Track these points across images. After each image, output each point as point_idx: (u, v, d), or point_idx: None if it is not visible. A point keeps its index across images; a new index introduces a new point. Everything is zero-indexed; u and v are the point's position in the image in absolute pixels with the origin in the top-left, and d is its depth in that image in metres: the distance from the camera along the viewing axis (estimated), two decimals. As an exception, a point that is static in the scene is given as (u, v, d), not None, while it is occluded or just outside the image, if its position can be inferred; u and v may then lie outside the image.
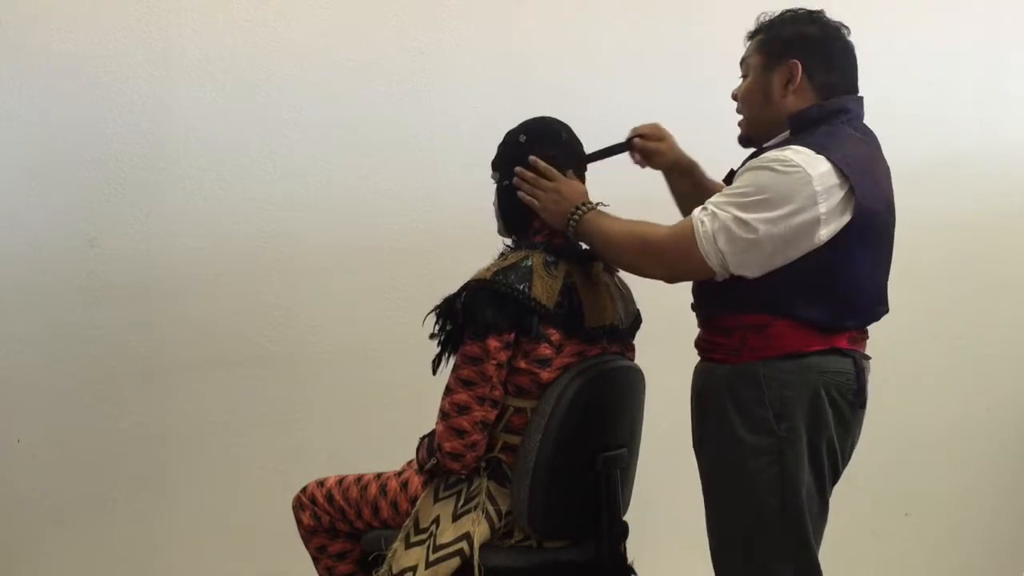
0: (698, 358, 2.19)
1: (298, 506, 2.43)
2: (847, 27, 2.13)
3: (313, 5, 3.25)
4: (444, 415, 2.17)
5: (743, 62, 2.17)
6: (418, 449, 2.31)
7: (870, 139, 2.10)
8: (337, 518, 2.36)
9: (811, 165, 1.92)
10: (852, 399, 2.03)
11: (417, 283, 3.22)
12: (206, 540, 3.20)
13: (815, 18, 2.11)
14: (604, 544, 2.24)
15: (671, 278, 2.07)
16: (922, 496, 3.56)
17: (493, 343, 2.13)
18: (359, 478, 2.38)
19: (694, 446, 2.19)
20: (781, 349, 1.99)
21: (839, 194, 1.93)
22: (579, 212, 2.15)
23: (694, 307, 2.20)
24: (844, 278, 1.99)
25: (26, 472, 3.11)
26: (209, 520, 3.20)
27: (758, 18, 2.17)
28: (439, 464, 2.19)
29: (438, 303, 2.21)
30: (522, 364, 2.16)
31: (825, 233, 1.93)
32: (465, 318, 2.14)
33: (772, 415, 1.97)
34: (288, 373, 3.23)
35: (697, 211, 1.98)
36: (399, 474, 2.34)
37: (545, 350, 2.17)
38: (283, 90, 3.22)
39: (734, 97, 2.19)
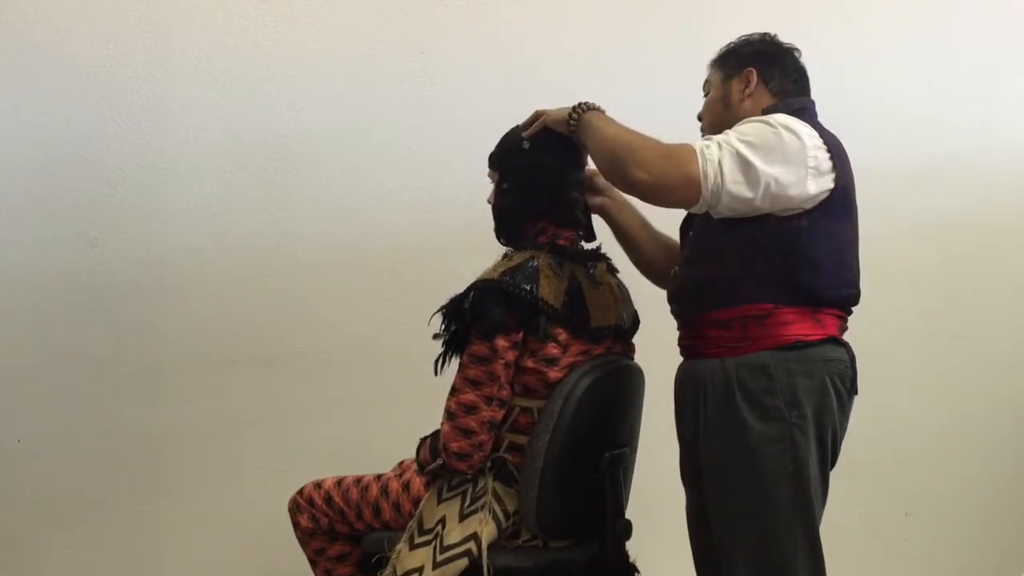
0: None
1: (295, 508, 2.41)
2: (799, 50, 2.27)
3: (313, 5, 3.25)
4: (450, 415, 2.16)
5: (705, 83, 2.31)
6: (418, 450, 2.30)
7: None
8: (336, 520, 2.35)
9: (799, 126, 2.04)
10: (849, 387, 2.11)
11: (417, 283, 3.22)
12: (206, 540, 3.20)
13: (767, 39, 2.27)
14: (609, 543, 2.24)
15: (649, 187, 2.03)
16: (922, 496, 3.56)
17: (501, 342, 2.13)
18: (358, 479, 2.36)
19: (687, 444, 2.20)
20: (782, 338, 2.04)
21: (824, 156, 2.04)
22: (581, 108, 2.18)
23: (676, 310, 2.24)
24: (834, 245, 2.07)
25: (26, 472, 3.11)
26: (209, 520, 3.20)
27: (719, 50, 2.30)
28: (445, 465, 2.18)
29: (444, 303, 2.20)
30: (529, 363, 2.17)
31: (813, 187, 2.02)
32: (473, 318, 2.13)
33: (783, 403, 2.02)
34: (288, 373, 3.23)
35: (698, 140, 2.04)
36: (400, 475, 2.33)
37: (552, 349, 2.17)
38: (283, 90, 3.22)
39: (699, 118, 2.31)
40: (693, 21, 3.41)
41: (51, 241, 3.11)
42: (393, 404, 3.19)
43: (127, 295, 3.15)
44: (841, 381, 2.08)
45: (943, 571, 3.58)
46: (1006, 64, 3.59)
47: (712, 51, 2.32)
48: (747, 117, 2.14)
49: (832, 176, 2.04)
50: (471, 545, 2.13)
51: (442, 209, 3.28)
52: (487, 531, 2.14)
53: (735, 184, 1.98)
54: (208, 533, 3.20)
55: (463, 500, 2.19)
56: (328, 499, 2.35)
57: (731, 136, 2.02)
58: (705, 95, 2.31)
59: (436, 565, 2.12)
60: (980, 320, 3.57)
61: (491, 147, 2.37)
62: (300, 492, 2.41)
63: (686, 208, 2.11)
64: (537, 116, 2.29)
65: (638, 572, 2.34)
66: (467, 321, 2.14)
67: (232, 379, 3.20)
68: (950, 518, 3.58)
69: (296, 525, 2.42)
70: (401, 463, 2.48)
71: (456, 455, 2.15)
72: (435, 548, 2.15)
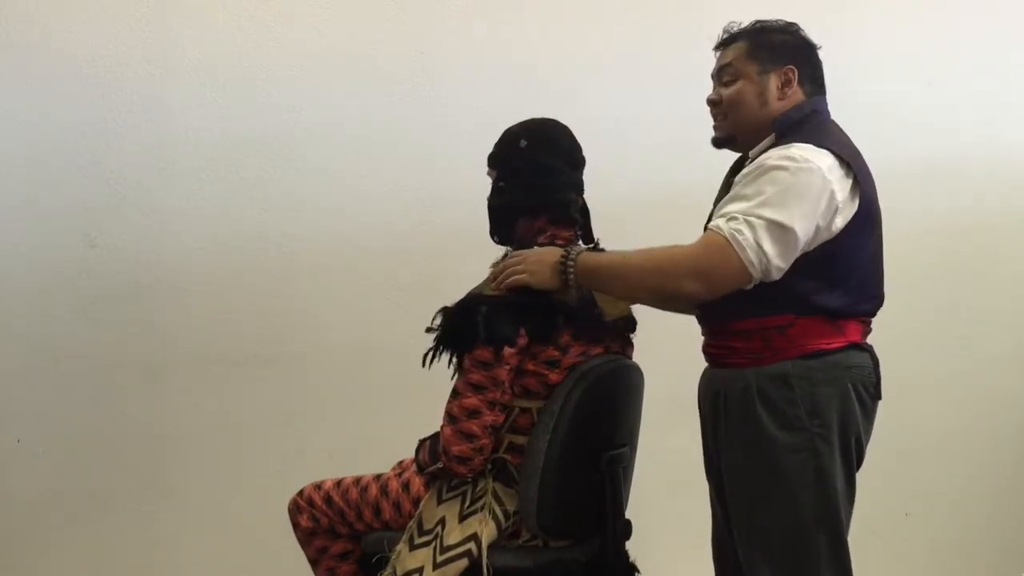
0: (697, 364, 2.21)
1: (295, 509, 2.41)
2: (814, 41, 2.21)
3: (313, 5, 3.25)
4: (452, 419, 2.15)
5: (726, 67, 2.18)
6: (417, 451, 2.30)
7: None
8: (336, 520, 2.35)
9: (819, 159, 1.98)
10: (873, 392, 2.10)
11: (417, 283, 3.22)
12: (206, 540, 3.20)
13: (794, 30, 2.19)
14: (610, 542, 2.24)
15: (709, 291, 1.99)
16: (922, 496, 3.56)
17: (508, 349, 2.12)
18: (358, 480, 2.36)
19: (709, 451, 2.19)
20: (804, 348, 2.03)
21: (847, 183, 2.00)
22: (570, 258, 2.10)
23: (699, 316, 2.20)
24: (858, 263, 2.05)
25: (26, 472, 3.11)
26: (209, 520, 3.20)
27: (726, 28, 2.20)
28: (445, 468, 2.17)
29: (453, 313, 2.16)
30: (530, 366, 2.16)
31: (840, 221, 1.99)
32: (486, 336, 2.10)
33: (804, 412, 2.01)
34: (288, 373, 3.23)
35: (722, 223, 1.96)
36: (399, 475, 2.33)
37: (553, 352, 2.17)
38: (283, 90, 3.22)
39: (713, 102, 2.20)
40: (693, 21, 3.39)
41: (51, 241, 3.11)
42: (393, 404, 3.19)
43: (127, 295, 3.15)
44: (864, 387, 2.06)
45: (943, 571, 3.58)
46: (1007, 64, 3.60)
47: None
48: (774, 116, 2.10)
49: (856, 201, 2.01)
50: (471, 545, 2.13)
51: (442, 209, 3.28)
52: (487, 531, 2.14)
53: (779, 257, 1.94)
54: (208, 533, 3.20)
55: (463, 501, 2.19)
56: (328, 499, 2.35)
57: (754, 205, 1.95)
58: (726, 80, 2.17)
59: (436, 566, 2.12)
60: (981, 321, 3.58)
61: (491, 147, 2.37)
62: (300, 493, 2.41)
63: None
64: (505, 270, 2.17)
65: (638, 572, 2.34)
66: (480, 337, 2.11)
67: (232, 379, 3.20)
68: (950, 518, 3.58)
69: (296, 526, 2.41)
70: (400, 463, 2.48)
71: (457, 459, 2.14)
72: (435, 549, 2.15)
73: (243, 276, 3.21)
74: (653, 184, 3.33)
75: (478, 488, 2.19)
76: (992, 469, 3.59)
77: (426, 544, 2.17)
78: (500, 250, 2.32)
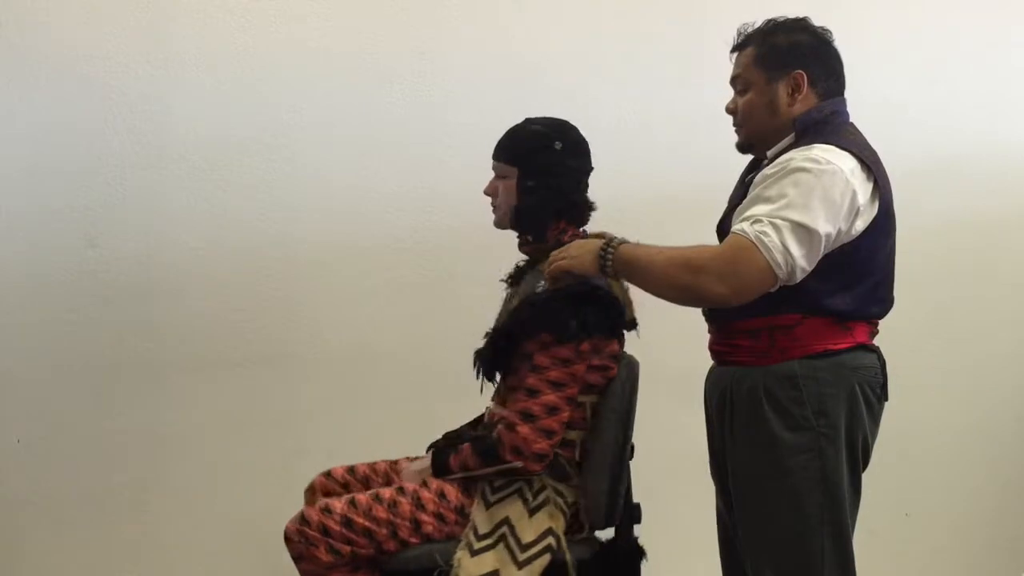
0: (706, 360, 2.22)
1: (303, 542, 2.21)
2: (830, 31, 2.17)
3: (313, 5, 3.25)
4: (530, 417, 2.15)
5: (738, 77, 2.17)
6: (445, 456, 2.25)
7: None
8: (361, 544, 2.20)
9: (841, 161, 1.98)
10: (880, 392, 2.11)
11: (417, 283, 3.22)
12: (206, 540, 3.20)
13: (804, 26, 2.15)
14: (627, 527, 2.30)
15: (735, 293, 1.96)
16: (922, 496, 3.56)
17: (586, 345, 2.16)
18: (377, 495, 2.24)
19: (715, 450, 2.20)
20: (810, 348, 2.03)
21: (868, 187, 2.01)
22: (611, 249, 2.09)
23: (708, 312, 2.20)
24: (872, 266, 2.05)
25: (26, 472, 3.11)
26: (209, 520, 3.20)
27: (739, 30, 2.18)
28: (523, 468, 2.15)
29: (538, 304, 2.18)
30: (595, 361, 2.20)
31: (860, 224, 1.99)
32: (581, 326, 2.13)
33: (811, 412, 2.01)
34: (289, 373, 3.23)
35: (747, 227, 1.95)
36: (425, 485, 2.26)
37: (616, 346, 2.23)
38: (283, 90, 3.22)
39: (730, 111, 2.19)
40: (693, 21, 3.41)
41: (51, 241, 3.11)
42: (393, 404, 3.19)
43: (127, 295, 3.15)
44: (871, 388, 2.07)
45: (943, 571, 3.58)
46: (1007, 65, 3.59)
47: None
48: (793, 118, 2.08)
49: (876, 204, 2.01)
50: (550, 540, 2.16)
51: (442, 209, 3.28)
52: (559, 525, 2.18)
53: (804, 259, 1.94)
54: (208, 533, 3.20)
55: (523, 498, 2.20)
56: (347, 523, 2.20)
57: (778, 207, 1.94)
58: (740, 90, 2.16)
59: (520, 565, 2.13)
60: (982, 320, 3.58)
61: (491, 147, 2.37)
62: (306, 523, 2.22)
63: None
64: (552, 262, 2.20)
65: (646, 555, 2.35)
66: (573, 331, 2.13)
67: (232, 379, 3.20)
68: (950, 518, 3.58)
69: (307, 558, 2.23)
70: (393, 476, 2.46)
71: (537, 456, 2.15)
72: (509, 549, 2.15)
73: (243, 276, 3.21)
74: (653, 184, 3.32)
75: (535, 484, 2.21)
76: (992, 469, 3.59)
77: (490, 547, 2.15)
78: (502, 251, 2.32)
